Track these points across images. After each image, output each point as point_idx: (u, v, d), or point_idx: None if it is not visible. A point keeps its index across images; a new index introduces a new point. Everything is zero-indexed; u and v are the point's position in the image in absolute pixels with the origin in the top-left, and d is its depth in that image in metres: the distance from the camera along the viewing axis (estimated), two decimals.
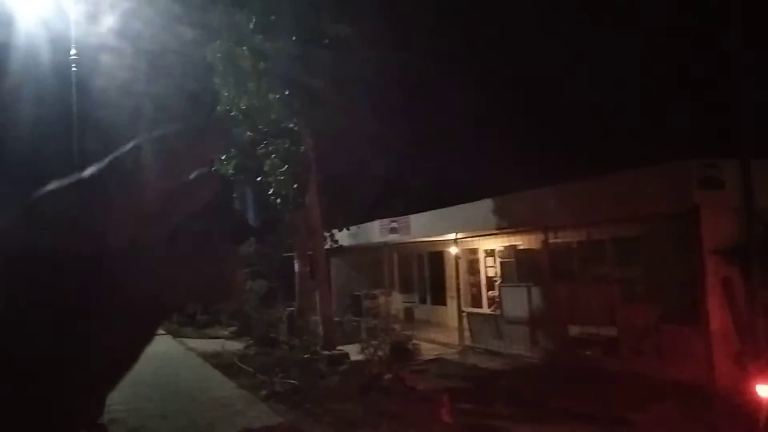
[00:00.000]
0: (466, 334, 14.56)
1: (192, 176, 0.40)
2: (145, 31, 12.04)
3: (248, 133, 12.72)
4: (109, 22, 12.09)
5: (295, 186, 12.43)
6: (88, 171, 0.37)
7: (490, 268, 15.67)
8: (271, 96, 11.26)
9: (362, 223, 18.16)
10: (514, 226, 13.36)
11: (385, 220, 17.50)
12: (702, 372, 9.33)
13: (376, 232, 18.07)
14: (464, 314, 14.78)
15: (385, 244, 18.90)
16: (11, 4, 11.61)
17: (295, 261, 15.47)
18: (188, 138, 0.40)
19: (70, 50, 11.80)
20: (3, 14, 11.82)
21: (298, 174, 12.33)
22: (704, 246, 9.37)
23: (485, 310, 15.56)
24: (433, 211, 15.17)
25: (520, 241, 14.01)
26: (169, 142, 0.39)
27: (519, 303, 13.59)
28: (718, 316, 9.34)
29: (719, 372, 9.21)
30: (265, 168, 12.56)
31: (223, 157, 13.61)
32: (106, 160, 0.37)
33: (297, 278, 15.49)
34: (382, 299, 18.49)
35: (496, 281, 15.28)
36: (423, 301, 18.97)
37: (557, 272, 12.76)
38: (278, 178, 12.38)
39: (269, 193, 12.91)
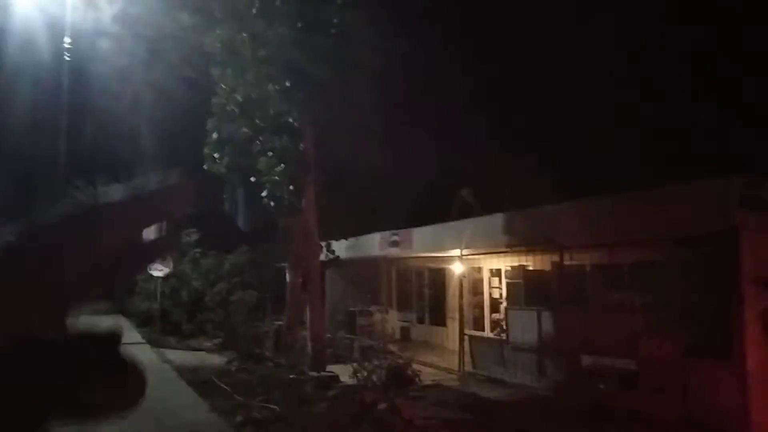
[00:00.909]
0: (467, 358, 13.51)
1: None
2: (143, 17, 11.36)
3: (244, 129, 11.79)
4: (107, 7, 11.29)
5: (291, 188, 11.46)
6: (42, 220, 0.36)
7: (494, 289, 14.64)
8: (270, 87, 10.35)
9: (361, 234, 17.16)
10: (524, 244, 12.37)
11: (386, 233, 16.49)
12: (733, 414, 8.35)
13: (375, 244, 17.03)
14: (466, 337, 13.73)
15: (384, 258, 17.87)
16: None
17: (287, 271, 14.47)
18: (148, 201, 0.40)
19: (66, 36, 11.11)
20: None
21: (294, 174, 11.35)
22: (743, 273, 8.40)
23: (488, 333, 14.50)
24: (437, 225, 14.17)
25: (530, 261, 13.02)
26: (129, 203, 0.38)
27: (527, 328, 12.56)
28: (755, 353, 8.35)
29: (754, 416, 8.23)
30: (260, 167, 11.58)
31: (216, 155, 12.69)
32: (61, 211, 0.36)
33: (288, 289, 14.49)
34: (378, 317, 17.41)
35: (501, 303, 14.24)
36: (421, 320, 17.87)
37: (570, 297, 11.78)
38: (273, 178, 11.41)
39: (263, 194, 11.95)
